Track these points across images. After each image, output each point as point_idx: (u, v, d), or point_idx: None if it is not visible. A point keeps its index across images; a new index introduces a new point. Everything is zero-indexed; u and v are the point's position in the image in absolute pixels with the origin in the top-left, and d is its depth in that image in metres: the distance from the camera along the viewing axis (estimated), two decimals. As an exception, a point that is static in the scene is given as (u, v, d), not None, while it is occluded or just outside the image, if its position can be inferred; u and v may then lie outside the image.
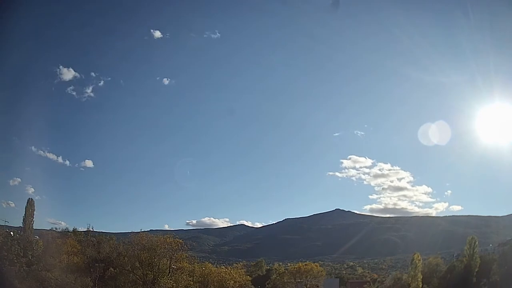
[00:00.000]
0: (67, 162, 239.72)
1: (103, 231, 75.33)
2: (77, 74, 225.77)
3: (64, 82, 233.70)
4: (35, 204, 49.97)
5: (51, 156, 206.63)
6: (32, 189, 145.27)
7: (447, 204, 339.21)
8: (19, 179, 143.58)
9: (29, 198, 51.44)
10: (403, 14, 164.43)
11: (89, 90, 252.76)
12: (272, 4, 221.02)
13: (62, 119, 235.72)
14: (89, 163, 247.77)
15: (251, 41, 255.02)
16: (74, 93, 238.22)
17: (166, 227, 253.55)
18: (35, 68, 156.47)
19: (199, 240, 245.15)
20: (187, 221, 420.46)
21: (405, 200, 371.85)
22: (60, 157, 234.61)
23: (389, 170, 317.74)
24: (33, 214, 48.81)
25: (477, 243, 58.51)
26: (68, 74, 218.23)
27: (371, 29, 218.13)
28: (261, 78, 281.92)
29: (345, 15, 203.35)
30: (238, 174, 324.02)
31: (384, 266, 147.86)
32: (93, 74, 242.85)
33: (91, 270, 42.89)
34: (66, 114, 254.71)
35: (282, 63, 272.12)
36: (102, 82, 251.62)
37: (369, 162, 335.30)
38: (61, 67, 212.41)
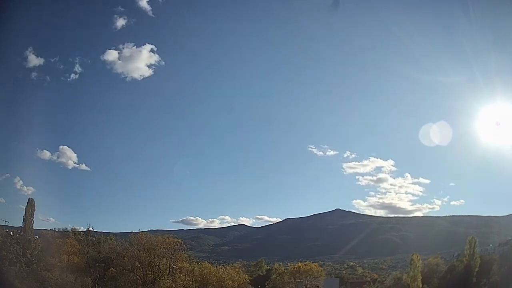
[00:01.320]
0: (61, 159, 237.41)
1: (103, 231, 75.44)
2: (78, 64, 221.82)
3: (78, 76, 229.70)
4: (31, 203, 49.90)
5: (39, 152, 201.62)
6: (21, 182, 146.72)
7: (447, 198, 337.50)
8: (8, 174, 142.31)
9: (29, 198, 51.25)
10: (403, 13, 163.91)
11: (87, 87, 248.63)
12: (270, 3, 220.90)
13: (58, 116, 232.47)
14: (75, 158, 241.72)
15: (250, 39, 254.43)
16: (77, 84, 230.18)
17: (166, 227, 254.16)
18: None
19: (199, 240, 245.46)
20: (188, 221, 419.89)
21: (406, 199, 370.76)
22: (61, 157, 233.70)
23: (389, 168, 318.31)
24: (33, 214, 48.74)
25: (477, 243, 58.43)
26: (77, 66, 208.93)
27: (371, 28, 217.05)
28: (259, 76, 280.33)
29: (345, 14, 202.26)
30: (238, 174, 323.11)
31: (384, 266, 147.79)
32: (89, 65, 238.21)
33: (91, 270, 43.08)
34: (63, 110, 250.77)
35: (280, 62, 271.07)
36: (103, 79, 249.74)
37: (369, 160, 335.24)
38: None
